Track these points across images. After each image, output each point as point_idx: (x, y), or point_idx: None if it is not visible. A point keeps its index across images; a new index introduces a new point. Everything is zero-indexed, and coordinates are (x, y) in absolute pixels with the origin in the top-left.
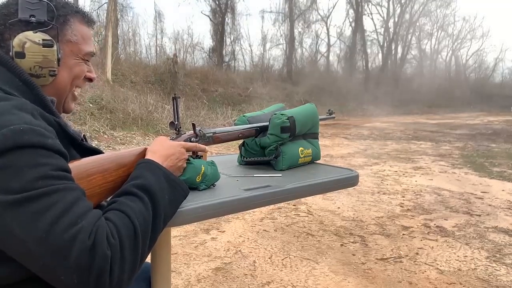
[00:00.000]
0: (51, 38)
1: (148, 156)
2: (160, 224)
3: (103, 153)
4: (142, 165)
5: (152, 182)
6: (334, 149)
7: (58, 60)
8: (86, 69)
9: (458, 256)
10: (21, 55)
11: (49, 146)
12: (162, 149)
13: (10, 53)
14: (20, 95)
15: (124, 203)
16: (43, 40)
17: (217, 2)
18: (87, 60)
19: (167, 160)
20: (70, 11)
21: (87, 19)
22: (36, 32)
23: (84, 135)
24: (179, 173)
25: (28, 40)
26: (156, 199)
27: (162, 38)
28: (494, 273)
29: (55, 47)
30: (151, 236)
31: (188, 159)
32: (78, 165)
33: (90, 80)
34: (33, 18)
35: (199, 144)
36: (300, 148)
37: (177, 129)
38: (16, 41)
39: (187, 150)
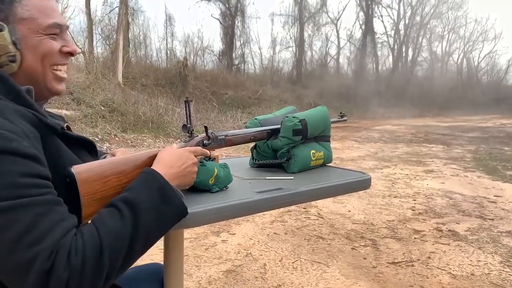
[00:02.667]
0: (1, 23)
1: (153, 164)
2: (138, 245)
3: (92, 142)
4: (141, 175)
5: (141, 197)
6: (345, 152)
7: (14, 43)
8: (56, 45)
9: (471, 260)
10: None
11: (13, 150)
12: (167, 157)
13: None
14: None
15: (102, 218)
16: None
17: (227, 6)
18: (54, 34)
19: (172, 168)
20: None
21: None
22: None
23: (67, 125)
24: (190, 179)
25: None
26: (138, 217)
27: (172, 41)
28: (508, 278)
29: (5, 31)
30: (125, 256)
31: (201, 162)
32: (94, 167)
33: (70, 54)
34: None
35: (202, 149)
36: (312, 151)
37: (189, 132)
38: None
39: (194, 153)
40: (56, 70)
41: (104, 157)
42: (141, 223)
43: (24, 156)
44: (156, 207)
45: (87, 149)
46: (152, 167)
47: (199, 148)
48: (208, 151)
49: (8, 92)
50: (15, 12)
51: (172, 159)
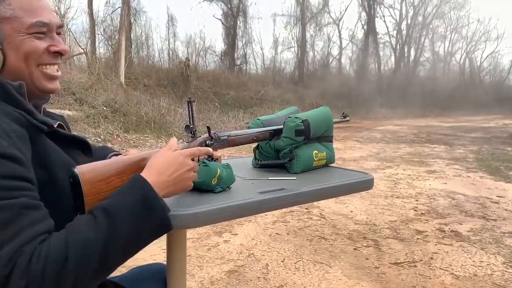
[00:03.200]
0: None
1: (144, 169)
2: (113, 255)
3: (86, 142)
4: (129, 180)
5: (121, 206)
6: (347, 152)
7: None
8: (41, 44)
9: (473, 261)
10: None
11: None
12: (159, 161)
13: None
14: None
15: (76, 224)
16: None
17: (229, 6)
18: (40, 33)
19: (162, 175)
20: None
21: None
22: None
23: (59, 123)
24: (185, 186)
25: None
26: (114, 227)
27: (174, 42)
28: (511, 279)
29: None
30: (99, 265)
31: (204, 162)
32: (98, 167)
33: (60, 53)
34: None
35: (202, 148)
36: (315, 151)
37: (192, 132)
38: None
39: (192, 156)
40: (46, 69)
41: (112, 156)
42: (116, 233)
43: (2, 156)
44: (135, 218)
45: (81, 149)
46: (141, 173)
47: (198, 149)
48: (211, 150)
49: None
50: None
51: (163, 165)
